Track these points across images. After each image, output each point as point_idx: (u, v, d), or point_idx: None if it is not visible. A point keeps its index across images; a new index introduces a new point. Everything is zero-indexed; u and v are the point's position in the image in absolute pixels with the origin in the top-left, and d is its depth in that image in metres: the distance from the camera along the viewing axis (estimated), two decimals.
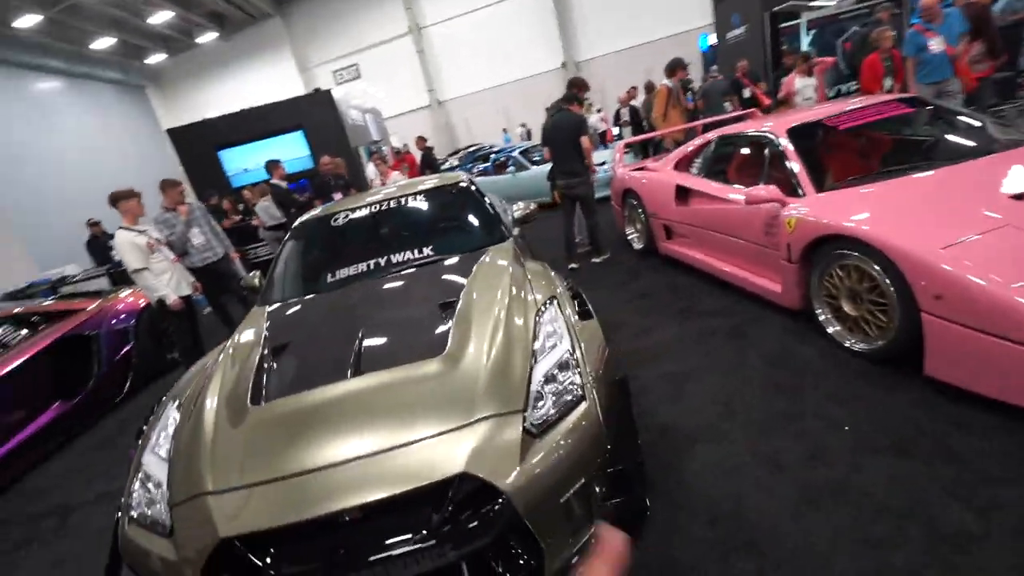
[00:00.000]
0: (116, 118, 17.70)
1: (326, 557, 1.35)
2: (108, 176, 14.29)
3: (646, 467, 1.84)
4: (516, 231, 3.02)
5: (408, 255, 2.67)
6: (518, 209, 3.11)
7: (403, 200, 3.07)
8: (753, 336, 2.79)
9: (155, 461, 1.71)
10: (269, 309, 2.54)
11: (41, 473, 3.40)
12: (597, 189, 5.54)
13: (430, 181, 3.35)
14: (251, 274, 3.05)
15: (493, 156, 9.65)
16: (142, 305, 4.36)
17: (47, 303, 4.42)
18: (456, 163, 13.56)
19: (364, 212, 3.03)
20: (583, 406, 1.59)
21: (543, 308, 1.95)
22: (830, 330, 2.54)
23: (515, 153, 8.75)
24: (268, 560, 1.36)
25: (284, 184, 5.90)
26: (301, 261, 2.87)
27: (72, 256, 10.73)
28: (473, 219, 3.00)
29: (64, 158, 14.39)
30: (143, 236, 3.81)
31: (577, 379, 1.66)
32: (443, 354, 1.74)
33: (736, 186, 3.28)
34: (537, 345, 1.77)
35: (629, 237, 4.90)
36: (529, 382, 1.62)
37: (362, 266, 2.67)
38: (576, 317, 1.95)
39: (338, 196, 6.44)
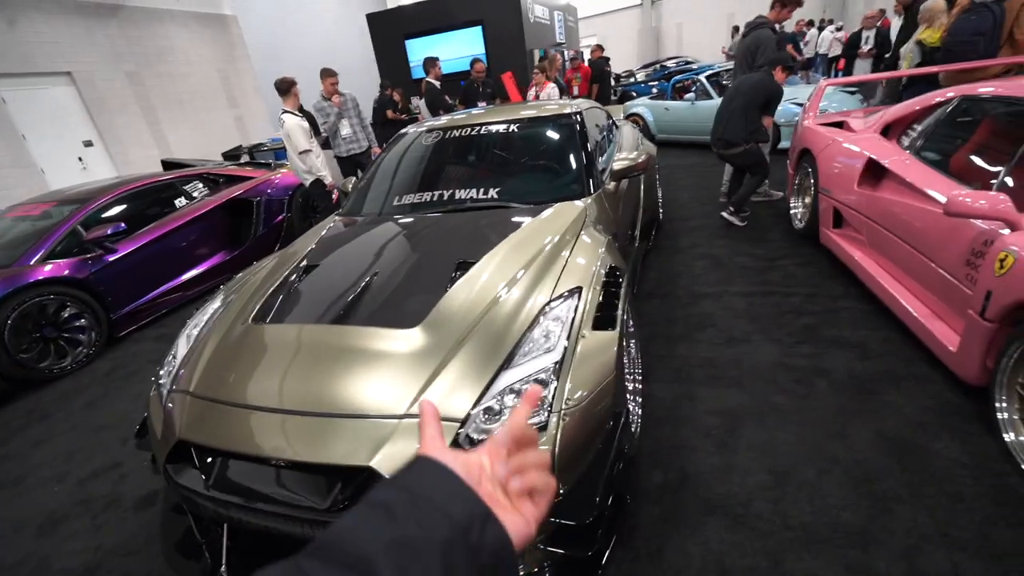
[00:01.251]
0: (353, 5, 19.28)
1: (245, 483, 1.42)
2: (324, 57, 16.02)
3: (630, 513, 1.52)
4: (612, 185, 2.55)
5: (472, 193, 2.44)
6: (622, 158, 2.57)
7: (496, 127, 2.76)
8: (883, 399, 2.00)
9: (183, 342, 1.93)
10: (333, 221, 2.60)
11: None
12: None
13: (536, 109, 2.95)
14: (346, 180, 3.14)
15: (676, 78, 8.32)
16: (295, 183, 4.94)
17: (228, 168, 5.28)
18: (641, 79, 12.18)
19: (454, 134, 2.82)
20: (540, 437, 1.30)
21: (557, 300, 1.60)
22: (1008, 438, 1.69)
23: (702, 76, 7.38)
24: (209, 465, 1.48)
25: (438, 84, 5.88)
26: (380, 176, 2.84)
27: None
28: (559, 165, 2.59)
29: (307, 37, 16.39)
30: (305, 120, 4.22)
31: (549, 401, 1.36)
32: (418, 326, 1.56)
33: (954, 181, 2.22)
34: (523, 347, 1.47)
35: (792, 211, 3.86)
36: (485, 390, 1.38)
37: (426, 195, 2.52)
38: (591, 323, 1.57)
39: (483, 105, 6.27)
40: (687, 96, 7.42)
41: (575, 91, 9.31)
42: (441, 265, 1.88)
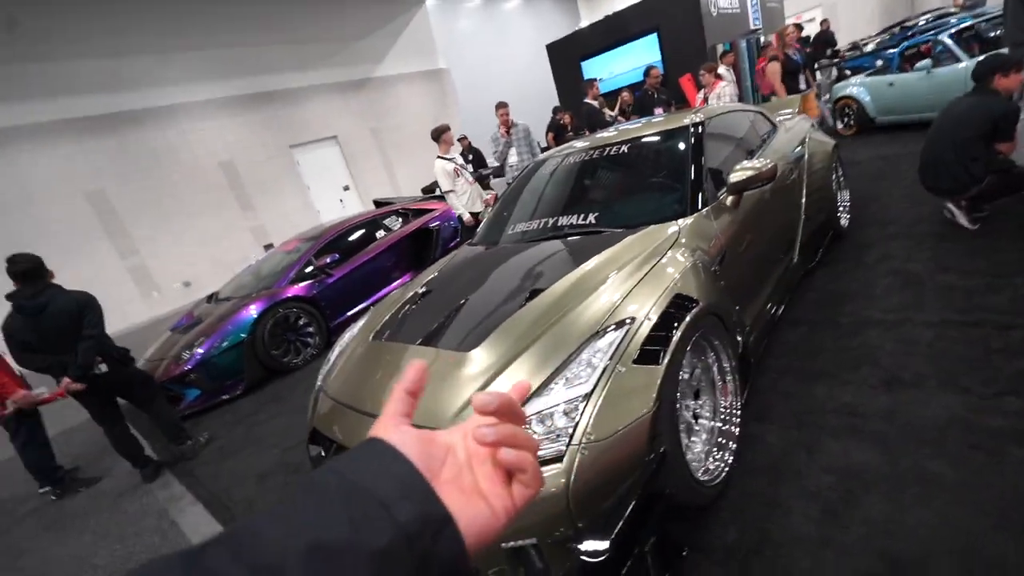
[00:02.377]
0: (549, 29, 20.59)
1: None
2: (520, 90, 17.41)
3: (686, 568, 1.43)
4: (730, 200, 2.31)
5: (574, 219, 2.50)
6: (742, 169, 2.27)
7: (606, 150, 2.76)
8: None
9: (337, 349, 2.47)
10: (459, 250, 2.96)
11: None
12: None
13: (653, 126, 2.84)
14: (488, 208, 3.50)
15: (907, 43, 6.64)
16: None
17: (417, 202, 6.28)
18: (870, 50, 10.06)
19: (569, 160, 2.92)
20: (554, 467, 1.34)
21: (604, 331, 1.59)
22: None
23: (944, 35, 5.78)
24: (329, 449, 1.92)
25: (596, 103, 5.97)
26: (504, 206, 3.10)
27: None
28: (662, 183, 2.46)
29: (506, 66, 18.19)
30: (451, 163, 4.79)
31: (569, 432, 1.38)
32: (476, 349, 1.73)
33: None
34: (560, 376, 1.51)
35: None
36: None
37: (535, 223, 2.68)
38: (635, 355, 1.50)
39: (659, 112, 6.10)
40: (920, 64, 5.89)
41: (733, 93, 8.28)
42: (519, 293, 2.01)
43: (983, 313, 2.28)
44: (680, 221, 2.13)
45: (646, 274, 1.81)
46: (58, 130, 9.02)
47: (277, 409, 3.71)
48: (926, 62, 5.86)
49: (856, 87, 6.76)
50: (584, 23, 20.22)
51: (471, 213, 4.77)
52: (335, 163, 13.60)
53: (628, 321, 1.59)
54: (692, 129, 2.56)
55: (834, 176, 3.57)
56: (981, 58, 3.15)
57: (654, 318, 1.61)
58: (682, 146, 2.49)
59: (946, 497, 1.49)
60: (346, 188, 13.73)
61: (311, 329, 4.54)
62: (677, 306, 1.67)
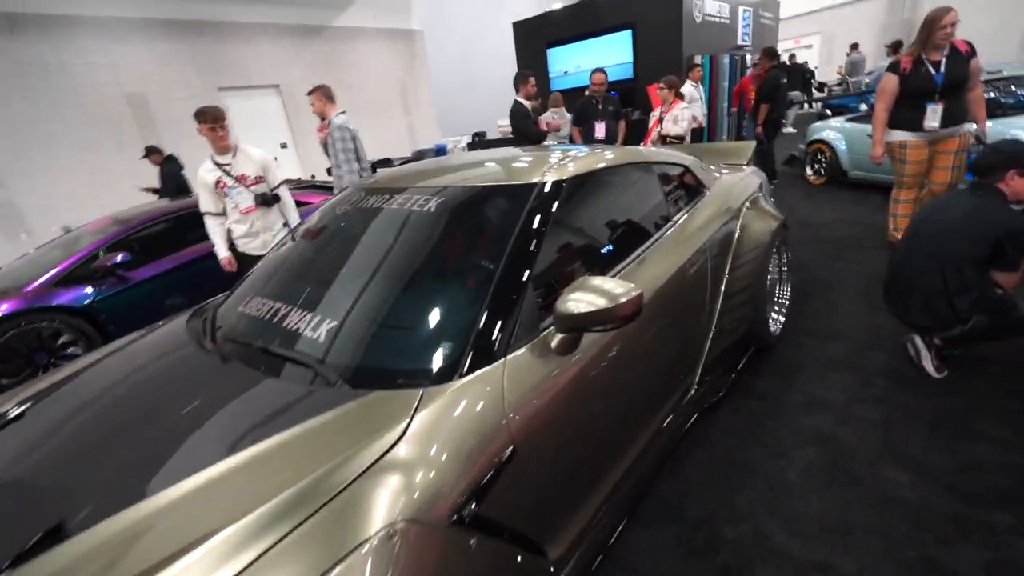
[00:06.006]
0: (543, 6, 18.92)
1: None
2: (497, 68, 15.72)
3: None
4: (557, 340, 1.29)
5: (301, 323, 1.41)
6: (581, 296, 1.25)
7: (408, 203, 1.68)
8: None
9: None
10: (178, 319, 1.87)
11: None
12: None
13: (487, 171, 1.79)
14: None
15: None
16: None
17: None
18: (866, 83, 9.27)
19: (359, 205, 1.84)
20: None
21: None
22: None
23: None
24: None
25: (528, 104, 4.82)
26: (263, 263, 1.98)
27: (467, 129, 12.72)
28: (457, 288, 1.42)
29: (489, 40, 16.55)
30: (216, 173, 3.24)
31: None
32: None
33: None
34: None
35: None
36: None
37: (266, 307, 1.58)
38: None
39: (600, 129, 5.04)
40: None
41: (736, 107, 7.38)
42: (110, 490, 0.97)
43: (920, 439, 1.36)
44: (432, 390, 1.10)
45: (277, 542, 0.78)
46: None
47: None
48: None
49: (833, 131, 5.86)
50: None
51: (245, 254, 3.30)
52: (274, 116, 12.03)
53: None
54: (536, 193, 1.52)
55: (773, 265, 2.63)
56: (996, 145, 2.20)
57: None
58: (508, 224, 1.44)
59: None
60: (283, 146, 12.23)
61: (77, 350, 3.37)
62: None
